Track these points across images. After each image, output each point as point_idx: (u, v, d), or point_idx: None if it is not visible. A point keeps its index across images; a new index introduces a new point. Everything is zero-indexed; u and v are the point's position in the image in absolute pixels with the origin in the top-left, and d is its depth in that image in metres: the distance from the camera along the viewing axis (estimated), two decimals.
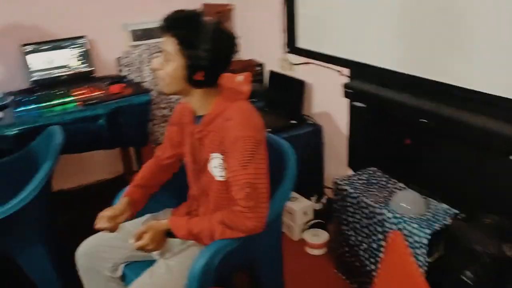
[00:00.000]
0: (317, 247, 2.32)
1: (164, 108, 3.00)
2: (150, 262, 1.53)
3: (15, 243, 1.73)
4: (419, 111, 1.79)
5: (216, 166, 1.45)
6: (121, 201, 1.57)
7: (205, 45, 1.29)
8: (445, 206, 1.77)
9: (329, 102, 2.50)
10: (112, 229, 1.49)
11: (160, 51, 1.38)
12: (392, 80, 1.96)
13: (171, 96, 3.04)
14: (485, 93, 1.61)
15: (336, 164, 2.55)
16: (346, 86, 2.10)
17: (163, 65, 1.36)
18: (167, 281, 1.43)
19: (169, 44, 1.33)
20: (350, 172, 2.34)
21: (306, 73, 2.59)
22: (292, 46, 2.62)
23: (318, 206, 2.52)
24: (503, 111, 1.56)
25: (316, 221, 2.42)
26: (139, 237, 1.41)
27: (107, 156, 3.09)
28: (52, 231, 1.89)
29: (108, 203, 1.60)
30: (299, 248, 2.36)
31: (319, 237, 2.34)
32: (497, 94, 1.57)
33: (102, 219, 1.48)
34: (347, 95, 2.11)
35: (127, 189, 1.65)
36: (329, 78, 2.40)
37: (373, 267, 1.87)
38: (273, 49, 2.77)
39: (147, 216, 1.68)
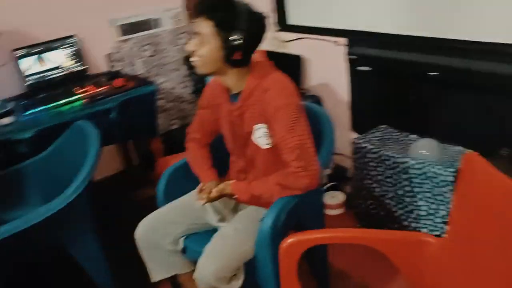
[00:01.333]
0: (336, 207, 2.48)
1: (161, 99, 3.04)
2: (210, 233, 1.62)
3: (69, 235, 1.75)
4: (426, 66, 1.97)
5: (261, 136, 1.55)
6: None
7: (241, 26, 1.38)
8: (460, 148, 1.97)
9: (326, 73, 2.65)
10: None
11: (195, 33, 1.45)
12: (392, 43, 2.14)
13: (163, 87, 3.09)
14: (484, 42, 1.82)
15: (338, 130, 2.70)
16: (349, 52, 2.26)
17: (199, 47, 1.44)
18: (239, 241, 1.53)
19: (204, 26, 1.40)
20: (354, 136, 2.50)
21: (301, 48, 2.72)
22: (283, 24, 2.75)
23: (328, 171, 2.68)
24: (505, 56, 1.77)
25: (330, 184, 2.57)
26: (208, 192, 1.55)
27: (106, 152, 3.08)
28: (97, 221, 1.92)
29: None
30: None
31: (336, 198, 2.50)
32: (496, 41, 1.78)
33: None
34: (350, 61, 2.27)
35: (201, 177, 1.73)
36: (323, 50, 2.55)
37: (400, 212, 2.05)
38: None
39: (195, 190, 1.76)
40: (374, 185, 2.14)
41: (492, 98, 1.88)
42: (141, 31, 2.97)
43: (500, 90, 1.82)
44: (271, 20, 2.79)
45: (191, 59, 1.49)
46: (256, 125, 1.54)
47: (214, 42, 1.41)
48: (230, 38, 1.39)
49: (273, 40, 2.86)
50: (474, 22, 1.84)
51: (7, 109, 2.33)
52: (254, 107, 1.52)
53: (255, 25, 1.43)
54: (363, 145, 2.13)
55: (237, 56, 1.43)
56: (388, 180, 2.06)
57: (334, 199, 2.50)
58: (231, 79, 1.52)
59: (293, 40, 2.75)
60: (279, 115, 1.45)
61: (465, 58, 1.88)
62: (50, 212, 1.58)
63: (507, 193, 1.01)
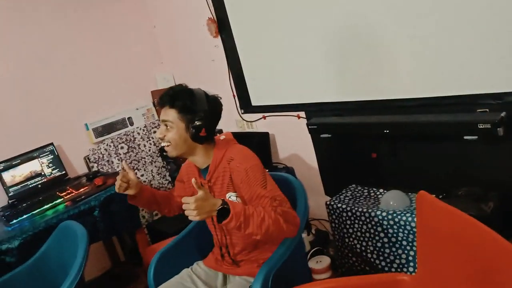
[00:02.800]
0: (323, 272, 2.53)
1: None
2: None
3: None
4: (379, 125, 2.18)
5: None
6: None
7: (200, 108, 1.58)
8: None
9: (293, 145, 2.85)
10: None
11: (162, 122, 1.63)
12: (344, 109, 2.38)
13: (142, 181, 3.21)
14: (425, 97, 2.07)
15: (314, 197, 2.84)
16: (309, 123, 2.47)
17: (167, 133, 1.62)
18: None
19: (169, 114, 1.60)
20: (328, 200, 2.65)
21: (267, 126, 2.94)
22: (247, 106, 2.98)
23: (310, 238, 2.77)
24: (441, 107, 2.01)
25: (314, 249, 2.65)
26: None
27: (92, 253, 3.10)
28: None
29: None
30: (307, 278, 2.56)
31: (322, 262, 2.57)
32: (434, 96, 2.03)
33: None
34: (311, 131, 2.47)
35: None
36: (287, 125, 2.77)
37: (383, 263, 2.14)
38: (229, 114, 3.10)
39: (183, 270, 1.83)
40: (354, 242, 2.24)
41: (442, 144, 2.08)
42: (115, 131, 3.15)
43: (446, 136, 2.04)
44: (236, 104, 3.03)
45: (162, 144, 1.66)
46: (227, 194, 1.65)
47: (180, 126, 1.59)
48: (193, 119, 1.58)
49: (240, 122, 3.08)
50: (410, 81, 2.10)
51: None
52: (224, 177, 1.64)
53: (212, 105, 1.63)
54: (338, 205, 2.26)
55: (202, 133, 1.60)
56: (366, 235, 2.17)
57: (320, 263, 2.56)
58: (200, 156, 1.67)
59: (258, 119, 2.97)
60: (250, 176, 1.57)
61: (407, 114, 2.11)
62: None
63: (455, 219, 1.14)
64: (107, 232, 2.53)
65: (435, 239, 1.25)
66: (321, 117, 2.50)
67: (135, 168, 3.19)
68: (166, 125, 1.61)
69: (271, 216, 1.45)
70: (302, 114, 2.66)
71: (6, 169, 2.69)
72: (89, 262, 3.11)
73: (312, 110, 2.57)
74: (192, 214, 1.38)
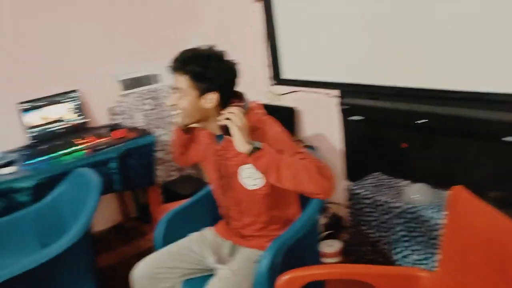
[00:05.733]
0: (333, 256, 2.48)
1: (161, 150, 3.11)
2: (208, 278, 1.63)
3: (67, 281, 1.74)
4: (415, 114, 2.07)
5: (248, 177, 1.58)
6: None
7: (214, 74, 1.49)
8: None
9: (319, 124, 2.75)
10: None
11: (174, 88, 1.54)
12: (381, 93, 2.26)
13: (162, 140, 3.18)
14: (467, 91, 1.94)
15: None
16: (342, 103, 2.37)
17: (179, 100, 1.53)
18: (237, 284, 1.53)
19: (181, 81, 1.51)
20: (347, 185, 2.56)
21: (295, 101, 2.84)
22: (277, 78, 2.88)
23: (324, 220, 2.70)
24: (487, 103, 1.88)
25: (327, 232, 2.59)
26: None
27: (103, 205, 3.11)
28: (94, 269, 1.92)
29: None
30: None
31: (333, 246, 2.50)
32: (478, 91, 1.90)
33: None
34: (343, 111, 2.37)
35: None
36: (316, 102, 2.67)
37: (397, 256, 2.06)
38: (259, 83, 3.01)
39: (193, 234, 1.79)
40: (370, 231, 2.16)
41: (478, 142, 1.96)
42: (142, 86, 3.10)
43: (484, 135, 1.91)
44: (267, 74, 2.93)
45: (174, 112, 1.57)
46: (242, 166, 1.57)
47: (192, 94, 1.50)
48: (206, 87, 1.49)
49: (268, 93, 2.99)
50: (455, 73, 1.96)
51: (9, 159, 2.40)
52: None
53: (227, 72, 1.53)
54: (358, 191, 2.18)
55: (216, 102, 1.51)
56: (383, 225, 2.09)
57: (331, 247, 2.50)
58: (214, 122, 1.56)
59: (287, 93, 2.87)
60: (279, 138, 1.50)
61: (447, 106, 1.99)
62: (47, 257, 1.59)
63: (492, 220, 1.05)
64: (121, 185, 2.51)
65: (464, 239, 1.17)
66: (355, 98, 2.39)
67: (156, 126, 3.16)
68: (178, 92, 1.52)
69: (305, 164, 1.38)
70: (334, 92, 2.55)
71: (29, 109, 2.68)
72: (100, 213, 3.15)
73: (346, 90, 2.46)
74: (234, 119, 1.42)
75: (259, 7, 2.83)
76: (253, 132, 1.51)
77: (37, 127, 2.71)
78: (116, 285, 1.85)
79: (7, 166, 2.32)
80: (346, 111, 2.36)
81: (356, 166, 2.57)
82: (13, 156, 2.45)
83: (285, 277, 1.38)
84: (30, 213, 2.07)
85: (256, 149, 1.41)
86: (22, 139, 2.68)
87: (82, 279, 1.79)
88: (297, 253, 1.71)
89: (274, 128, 1.54)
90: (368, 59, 2.29)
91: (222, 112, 1.50)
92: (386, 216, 2.06)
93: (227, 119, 1.45)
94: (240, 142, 1.43)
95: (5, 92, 2.63)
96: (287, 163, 1.41)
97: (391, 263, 2.09)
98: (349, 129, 2.52)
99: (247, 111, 1.57)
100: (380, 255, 2.15)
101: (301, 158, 1.43)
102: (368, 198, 2.13)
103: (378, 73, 2.27)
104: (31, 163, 2.34)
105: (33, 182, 2.19)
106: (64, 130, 2.79)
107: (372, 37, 2.23)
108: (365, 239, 2.21)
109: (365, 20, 2.24)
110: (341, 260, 2.48)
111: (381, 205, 2.07)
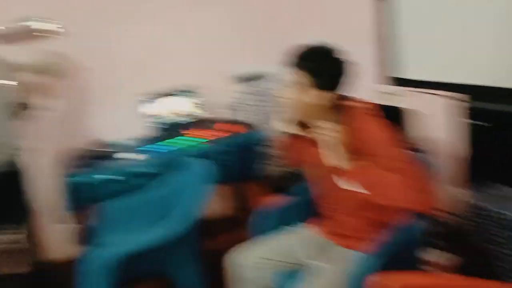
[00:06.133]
0: (440, 267, 2.31)
1: (266, 146, 3.18)
2: (295, 272, 1.68)
3: (175, 264, 1.88)
4: None
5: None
6: None
7: (331, 71, 1.52)
8: None
9: (435, 127, 2.58)
10: None
11: (291, 83, 1.57)
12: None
13: (272, 135, 3.23)
14: None
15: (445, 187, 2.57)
16: (467, 107, 2.19)
17: (296, 95, 1.55)
18: (333, 281, 1.54)
19: (301, 76, 1.52)
20: (465, 194, 2.35)
21: (411, 102, 2.69)
22: (392, 78, 2.76)
23: (435, 229, 2.52)
24: None
25: (436, 242, 2.42)
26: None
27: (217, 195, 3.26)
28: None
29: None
30: None
31: (442, 257, 2.33)
32: None
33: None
34: (468, 115, 2.20)
35: None
36: (434, 104, 2.50)
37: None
38: (369, 82, 2.89)
39: (290, 228, 1.84)
40: (488, 245, 1.97)
41: None
42: (255, 82, 3.19)
43: None
44: (379, 73, 2.82)
45: (287, 106, 1.59)
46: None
47: (308, 90, 1.53)
48: (322, 84, 1.51)
49: (382, 93, 2.88)
50: None
51: (134, 145, 2.64)
52: (350, 146, 1.52)
53: (344, 70, 1.55)
54: (478, 203, 2.00)
55: (330, 99, 1.54)
56: (503, 240, 1.89)
57: (438, 258, 2.34)
58: (323, 119, 1.57)
59: (402, 94, 2.73)
60: (381, 143, 1.47)
61: None
62: (164, 237, 1.72)
63: None
64: (235, 176, 2.63)
65: None
66: (481, 101, 2.19)
67: (263, 123, 3.22)
68: (293, 87, 1.55)
69: (395, 180, 1.34)
70: (457, 95, 2.36)
71: (153, 100, 2.92)
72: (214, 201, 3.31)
73: (472, 93, 2.25)
74: (327, 132, 1.45)
75: (380, 6, 2.74)
76: (353, 131, 1.51)
77: (159, 117, 2.94)
78: (215, 270, 1.93)
79: (132, 152, 2.55)
80: (472, 115, 2.18)
81: (478, 176, 2.36)
82: (137, 143, 2.69)
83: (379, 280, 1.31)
84: (147, 197, 2.24)
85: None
86: (145, 128, 2.93)
87: (188, 264, 1.90)
88: (399, 259, 1.64)
89: (375, 130, 1.51)
90: (500, 60, 2.07)
91: (322, 121, 1.52)
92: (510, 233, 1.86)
93: (321, 133, 1.49)
94: (328, 157, 1.47)
95: (135, 85, 2.92)
96: (375, 181, 1.39)
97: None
98: (473, 135, 2.31)
99: (351, 110, 1.56)
100: (497, 272, 1.95)
101: (397, 166, 1.38)
102: (489, 211, 1.94)
103: (510, 75, 2.04)
104: (152, 150, 2.54)
105: (153, 169, 2.38)
106: (184, 122, 2.98)
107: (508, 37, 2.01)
108: (480, 253, 2.02)
109: (498, 21, 2.04)
110: (450, 273, 2.31)
111: (504, 219, 1.88)
